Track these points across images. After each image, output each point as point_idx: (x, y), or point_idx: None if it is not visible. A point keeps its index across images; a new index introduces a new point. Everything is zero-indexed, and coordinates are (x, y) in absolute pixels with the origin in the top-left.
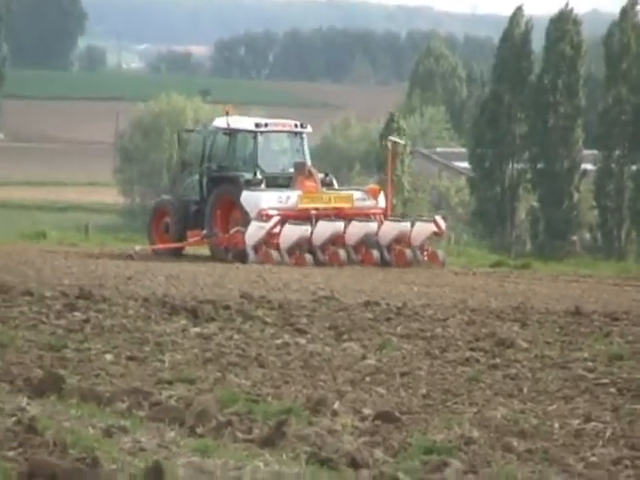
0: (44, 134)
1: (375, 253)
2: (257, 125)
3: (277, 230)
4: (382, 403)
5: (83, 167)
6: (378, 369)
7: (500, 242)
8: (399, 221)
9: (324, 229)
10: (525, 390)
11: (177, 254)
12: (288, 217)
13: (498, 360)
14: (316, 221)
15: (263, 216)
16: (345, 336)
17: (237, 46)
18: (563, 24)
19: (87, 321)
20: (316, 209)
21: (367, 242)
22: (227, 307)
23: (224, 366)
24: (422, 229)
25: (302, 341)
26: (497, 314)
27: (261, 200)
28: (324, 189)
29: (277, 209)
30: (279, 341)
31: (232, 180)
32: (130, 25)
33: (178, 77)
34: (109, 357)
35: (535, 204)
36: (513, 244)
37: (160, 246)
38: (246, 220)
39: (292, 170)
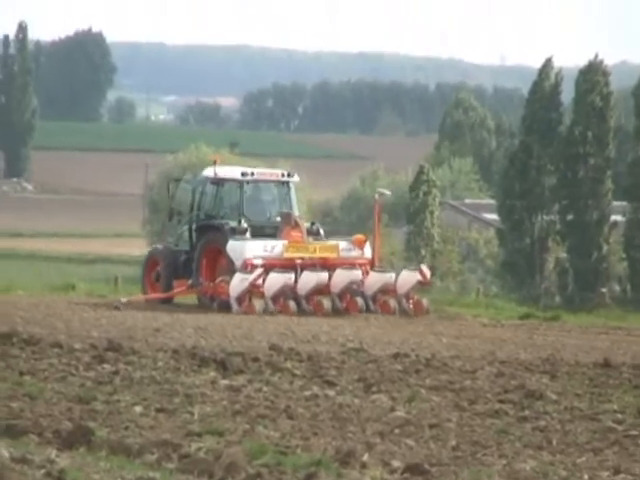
0: (73, 186)
1: (359, 301)
2: (243, 174)
3: (260, 282)
4: (411, 455)
5: (111, 219)
6: (407, 421)
7: (529, 294)
8: (384, 272)
9: (309, 279)
10: (554, 442)
11: (167, 302)
12: (273, 267)
13: (527, 412)
14: (301, 271)
15: (248, 265)
16: (374, 388)
17: (266, 98)
18: (592, 75)
19: (116, 373)
20: (301, 259)
21: (351, 290)
22: (256, 359)
23: (253, 418)
24: (407, 278)
25: (331, 393)
26: (526, 366)
27: (246, 249)
28: (310, 239)
29: (262, 258)
30: (308, 393)
31: (218, 229)
32: (158, 77)
33: (206, 129)
34: (138, 409)
35: (564, 256)
36: (542, 296)
37: (145, 296)
38: (232, 269)
39: (279, 219)
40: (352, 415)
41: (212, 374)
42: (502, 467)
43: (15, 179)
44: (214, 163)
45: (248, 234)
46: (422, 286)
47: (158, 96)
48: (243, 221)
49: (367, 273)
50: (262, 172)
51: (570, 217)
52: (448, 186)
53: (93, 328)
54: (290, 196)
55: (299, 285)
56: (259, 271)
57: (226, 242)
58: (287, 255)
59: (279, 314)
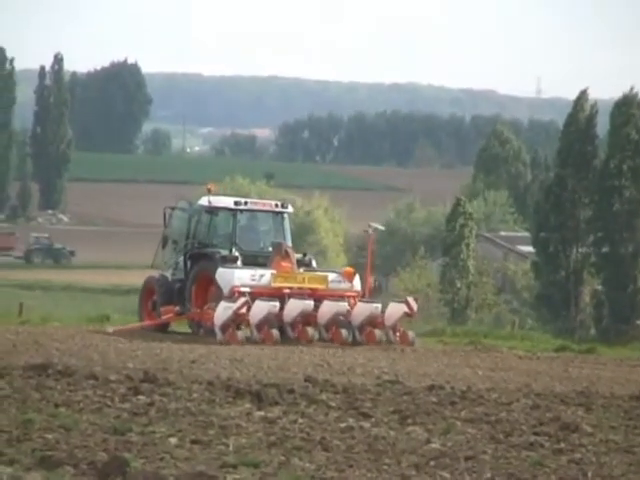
0: (108, 217)
1: (344, 332)
2: (236, 203)
3: (244, 310)
4: None
5: (146, 250)
6: (442, 453)
7: (564, 326)
8: (370, 303)
9: (294, 307)
10: (590, 475)
11: (163, 331)
12: (261, 295)
13: (562, 445)
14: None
15: (235, 293)
16: (409, 420)
17: (301, 129)
18: (628, 108)
19: (152, 404)
20: (290, 289)
21: (338, 321)
22: (291, 391)
23: (288, 450)
24: (394, 310)
25: (366, 425)
26: (561, 398)
27: (234, 277)
28: (301, 269)
29: (250, 287)
30: (343, 425)
31: (210, 257)
32: (194, 109)
33: (242, 160)
34: (173, 441)
35: (599, 288)
36: (577, 328)
37: (132, 325)
38: (221, 297)
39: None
40: (387, 447)
41: (247, 406)
42: None
43: (50, 211)
44: (209, 192)
45: (239, 263)
46: (408, 318)
47: (194, 128)
48: (235, 250)
49: (355, 303)
50: (256, 202)
51: (605, 250)
52: (483, 218)
53: (128, 359)
54: (284, 226)
55: (285, 312)
56: (243, 300)
57: (216, 270)
58: (275, 284)
59: (263, 343)
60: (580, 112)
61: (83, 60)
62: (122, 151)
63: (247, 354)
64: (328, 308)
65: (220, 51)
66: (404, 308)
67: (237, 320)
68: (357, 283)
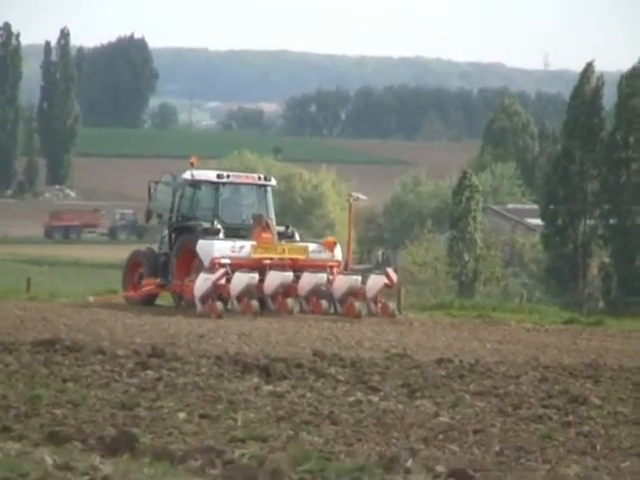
0: (115, 192)
1: (324, 303)
2: (219, 177)
3: (223, 282)
4: (455, 461)
5: None
6: (451, 426)
7: (572, 299)
8: (351, 275)
9: (274, 278)
10: (598, 447)
11: (149, 303)
12: (241, 267)
13: (571, 417)
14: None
15: (215, 265)
16: (418, 393)
17: (308, 104)
18: (635, 80)
19: (160, 379)
20: (270, 259)
21: (318, 292)
22: (300, 365)
23: (297, 424)
24: (375, 282)
25: (375, 399)
26: (570, 371)
27: (214, 249)
28: (283, 241)
29: (230, 258)
30: (352, 399)
31: (192, 230)
32: (201, 83)
33: (250, 135)
34: (182, 415)
35: (607, 260)
36: (585, 301)
37: (113, 296)
38: (201, 269)
39: None
40: (396, 421)
41: (255, 380)
42: (546, 472)
43: (57, 186)
44: (191, 165)
45: (221, 235)
46: (388, 289)
47: (201, 102)
48: (217, 223)
49: (335, 274)
50: (238, 175)
51: (613, 222)
52: (491, 191)
53: (136, 334)
54: (267, 199)
55: (265, 284)
56: (221, 271)
57: (197, 242)
58: (255, 256)
59: (243, 314)
60: (586, 84)
61: (90, 35)
62: (129, 126)
63: (255, 328)
64: (308, 280)
65: (227, 25)
66: (384, 280)
67: (217, 291)
68: (338, 253)
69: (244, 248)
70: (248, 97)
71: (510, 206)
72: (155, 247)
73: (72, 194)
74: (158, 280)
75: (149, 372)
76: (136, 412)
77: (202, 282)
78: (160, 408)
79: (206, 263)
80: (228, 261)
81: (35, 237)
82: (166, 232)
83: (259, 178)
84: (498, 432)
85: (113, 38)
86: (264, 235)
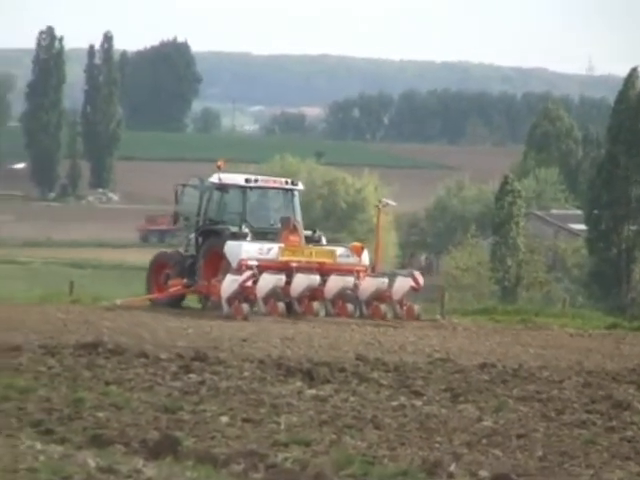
0: (158, 196)
1: (350, 307)
2: (247, 181)
3: (250, 284)
4: (498, 465)
5: None
6: (494, 431)
7: (615, 304)
8: (377, 277)
9: (300, 281)
10: None
11: (175, 305)
12: (269, 269)
13: (615, 423)
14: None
15: (243, 266)
16: (461, 398)
17: (351, 108)
18: None
19: (203, 383)
20: (297, 262)
21: (344, 296)
22: (343, 369)
23: (340, 428)
24: (401, 284)
25: (418, 403)
26: (613, 376)
27: (242, 250)
28: (310, 245)
29: (257, 260)
30: (395, 403)
31: (219, 233)
32: (243, 87)
33: (292, 139)
34: (225, 419)
35: None
36: (629, 306)
37: (141, 297)
38: (229, 270)
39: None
40: (439, 425)
41: (298, 384)
42: (589, 478)
43: (100, 190)
44: (218, 168)
45: (248, 239)
46: (415, 292)
47: (243, 106)
48: (244, 227)
49: (362, 278)
50: (266, 179)
51: None
52: (534, 196)
53: (179, 338)
54: (294, 204)
55: (292, 287)
56: (248, 273)
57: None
58: (283, 258)
59: (269, 316)
60: (631, 89)
61: (133, 39)
62: (171, 130)
63: (298, 332)
64: (334, 283)
65: (269, 30)
66: (411, 282)
67: (243, 293)
68: (365, 258)
69: (272, 250)
70: (290, 101)
71: (554, 211)
72: (181, 250)
73: (115, 197)
74: (185, 281)
75: (192, 375)
76: (179, 415)
77: (229, 283)
78: (203, 412)
79: (234, 264)
80: (255, 263)
81: (78, 241)
82: (193, 235)
83: (286, 182)
84: (541, 437)
85: (156, 42)
86: (292, 238)
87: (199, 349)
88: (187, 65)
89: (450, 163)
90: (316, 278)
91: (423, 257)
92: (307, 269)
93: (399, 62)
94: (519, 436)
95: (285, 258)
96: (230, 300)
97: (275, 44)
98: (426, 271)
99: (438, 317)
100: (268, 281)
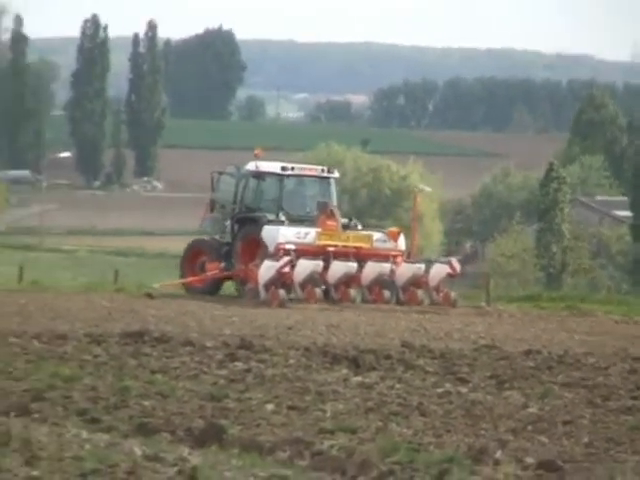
0: (202, 184)
1: (387, 293)
2: (283, 169)
3: (287, 269)
4: (544, 452)
5: None
6: (540, 418)
7: None
8: (414, 263)
9: (337, 268)
10: None
11: (212, 293)
12: (306, 253)
13: None
14: (333, 259)
15: (280, 250)
16: (506, 385)
17: (396, 95)
18: None
19: (248, 371)
20: (334, 247)
21: (381, 282)
22: (388, 356)
23: (385, 415)
24: (438, 271)
25: (463, 390)
26: None
27: (279, 234)
28: (348, 231)
29: (295, 244)
30: (440, 390)
31: (256, 221)
32: (288, 75)
33: (337, 127)
34: (270, 407)
35: None
36: None
37: (180, 280)
38: (266, 255)
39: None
40: (485, 412)
41: (344, 371)
42: (635, 464)
43: (145, 178)
44: (255, 156)
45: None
46: (451, 278)
47: (288, 94)
48: (281, 214)
49: (399, 264)
50: (302, 167)
51: None
52: (579, 183)
53: (225, 326)
54: (330, 191)
55: (329, 274)
56: (286, 259)
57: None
58: (320, 242)
59: (306, 302)
60: None
61: (177, 27)
62: (216, 118)
63: (344, 320)
64: (371, 269)
65: (313, 17)
66: (447, 269)
67: (280, 279)
68: (402, 243)
69: (309, 234)
70: (335, 89)
71: (598, 198)
72: (217, 237)
73: (159, 186)
74: (223, 264)
75: (238, 364)
76: (225, 404)
77: (266, 269)
78: (248, 400)
79: (271, 249)
80: (293, 247)
81: (123, 229)
82: (229, 222)
83: (322, 170)
84: (587, 423)
85: (200, 30)
86: (329, 222)
87: (245, 337)
88: (232, 53)
89: (495, 150)
90: (353, 265)
91: (468, 244)
92: (344, 255)
93: (443, 49)
94: (565, 423)
95: (322, 242)
96: (267, 286)
97: (320, 32)
98: (472, 258)
99: (483, 304)
100: (305, 267)
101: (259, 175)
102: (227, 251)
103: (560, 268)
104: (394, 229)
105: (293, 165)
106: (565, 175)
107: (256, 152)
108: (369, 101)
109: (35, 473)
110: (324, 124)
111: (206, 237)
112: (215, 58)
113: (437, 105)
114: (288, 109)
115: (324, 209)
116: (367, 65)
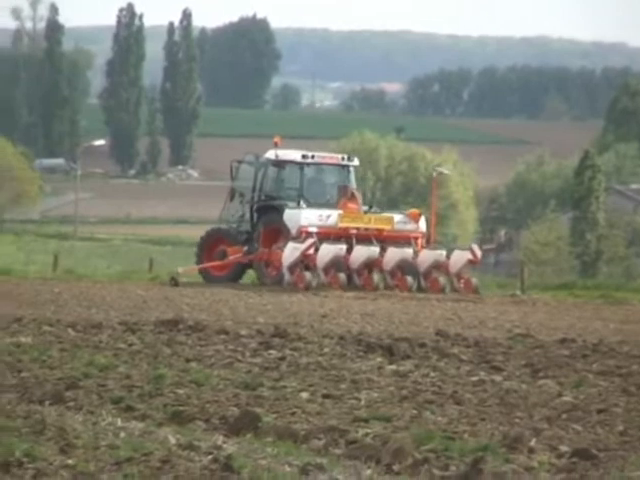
0: None
1: (409, 279)
2: (304, 157)
3: (311, 252)
4: (579, 440)
5: None
6: (574, 406)
7: None
8: (435, 249)
9: (360, 254)
10: None
11: (234, 280)
12: (328, 235)
13: None
14: (356, 242)
15: (303, 233)
16: (541, 373)
17: (431, 83)
18: None
19: (283, 359)
20: (356, 229)
21: (403, 268)
22: (423, 345)
23: (420, 404)
24: (459, 257)
25: (498, 378)
26: None
27: (301, 217)
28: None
29: (317, 227)
30: (475, 378)
31: (277, 209)
32: (323, 64)
33: (371, 115)
34: (305, 395)
35: None
36: None
37: (202, 265)
38: (288, 239)
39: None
40: (519, 400)
41: (379, 360)
42: None
43: (180, 167)
44: (275, 145)
45: None
46: (472, 265)
47: (323, 83)
48: (302, 202)
49: (421, 247)
50: (322, 155)
51: None
52: (614, 171)
53: (259, 314)
54: (350, 179)
55: (351, 259)
56: (310, 241)
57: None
58: (342, 225)
59: (329, 287)
60: None
61: (212, 16)
62: (251, 106)
63: (378, 308)
64: (393, 254)
65: (348, 6)
66: (468, 255)
67: (305, 261)
68: (422, 224)
69: (331, 217)
70: (370, 77)
71: (634, 186)
72: (234, 226)
73: (194, 174)
74: (245, 248)
75: (272, 352)
76: (259, 392)
77: (290, 251)
78: (283, 388)
79: (293, 232)
80: (315, 229)
81: (157, 218)
82: (247, 211)
83: (342, 158)
84: (622, 412)
85: (235, 18)
86: (350, 205)
87: (279, 325)
88: (267, 41)
89: (529, 138)
90: (375, 250)
91: (503, 232)
92: (366, 238)
93: (478, 37)
94: (599, 411)
95: (344, 224)
96: (292, 268)
97: (354, 20)
98: (506, 246)
99: (518, 292)
100: (329, 250)
101: (279, 163)
102: (247, 239)
103: (595, 256)
104: (415, 210)
105: (313, 153)
106: (600, 163)
107: (275, 140)
108: (404, 90)
109: (70, 461)
110: (358, 112)
111: (223, 225)
112: (250, 46)
113: (472, 93)
114: (323, 98)
115: (345, 192)
116: (403, 54)
